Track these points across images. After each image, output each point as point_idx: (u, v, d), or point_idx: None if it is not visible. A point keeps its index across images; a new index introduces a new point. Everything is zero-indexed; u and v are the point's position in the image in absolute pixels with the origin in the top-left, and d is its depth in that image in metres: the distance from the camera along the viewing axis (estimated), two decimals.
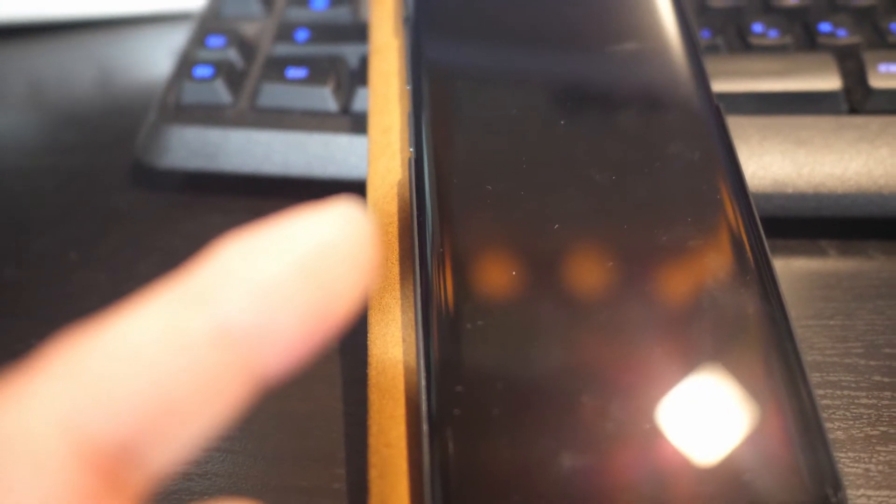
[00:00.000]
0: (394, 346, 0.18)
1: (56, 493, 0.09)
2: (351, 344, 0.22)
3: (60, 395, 0.10)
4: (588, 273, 0.18)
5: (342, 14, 0.29)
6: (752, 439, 0.16)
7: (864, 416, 0.20)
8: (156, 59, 0.35)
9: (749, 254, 0.18)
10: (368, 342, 0.18)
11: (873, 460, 0.19)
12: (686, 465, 0.15)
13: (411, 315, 0.18)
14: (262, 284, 0.11)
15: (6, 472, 0.09)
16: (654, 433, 0.16)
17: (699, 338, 0.17)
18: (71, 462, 0.09)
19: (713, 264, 0.18)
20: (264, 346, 0.11)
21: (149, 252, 0.26)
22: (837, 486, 0.15)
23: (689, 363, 0.16)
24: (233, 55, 0.28)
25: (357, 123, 0.26)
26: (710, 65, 0.25)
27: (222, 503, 0.11)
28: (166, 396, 0.10)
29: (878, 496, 0.19)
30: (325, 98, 0.26)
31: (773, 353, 0.17)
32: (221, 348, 0.10)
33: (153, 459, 0.10)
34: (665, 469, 0.15)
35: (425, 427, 0.16)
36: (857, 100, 0.25)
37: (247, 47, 0.29)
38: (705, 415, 0.16)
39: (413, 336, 0.18)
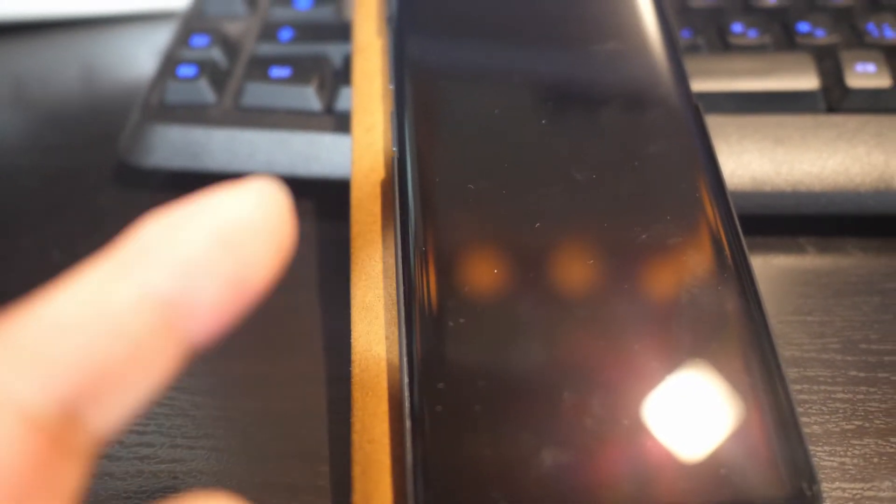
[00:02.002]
0: (377, 344, 0.18)
1: (6, 458, 0.10)
2: (335, 342, 0.22)
3: None
4: (568, 271, 0.18)
5: (326, 13, 0.29)
6: (729, 435, 0.16)
7: (841, 411, 0.21)
8: (140, 58, 0.35)
9: (727, 251, 0.18)
10: (352, 340, 0.18)
11: (849, 454, 0.20)
12: (663, 460, 0.16)
13: (394, 313, 0.19)
14: (183, 255, 0.11)
15: None
16: (632, 429, 0.16)
17: (677, 335, 0.17)
18: (16, 429, 0.10)
19: (691, 261, 0.18)
20: (188, 313, 0.12)
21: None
22: (812, 479, 0.15)
23: (668, 360, 0.17)
24: (217, 54, 0.28)
25: (341, 122, 0.26)
26: (691, 64, 0.25)
27: (200, 499, 0.11)
28: (100, 362, 0.11)
29: (852, 489, 0.19)
30: (308, 97, 0.26)
31: (749, 349, 0.17)
32: (148, 315, 0.11)
33: (96, 422, 0.11)
34: (643, 464, 0.16)
35: (408, 423, 0.16)
36: (834, 99, 0.25)
37: (231, 47, 0.29)
38: (683, 411, 0.16)
39: (396, 334, 0.18)
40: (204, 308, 0.12)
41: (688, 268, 0.18)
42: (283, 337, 0.23)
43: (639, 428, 0.16)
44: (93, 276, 0.11)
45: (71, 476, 0.11)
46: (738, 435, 0.16)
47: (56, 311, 0.11)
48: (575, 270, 0.18)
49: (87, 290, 0.11)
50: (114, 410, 0.11)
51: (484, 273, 0.18)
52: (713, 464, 0.15)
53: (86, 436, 0.11)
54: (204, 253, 0.12)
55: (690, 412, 0.16)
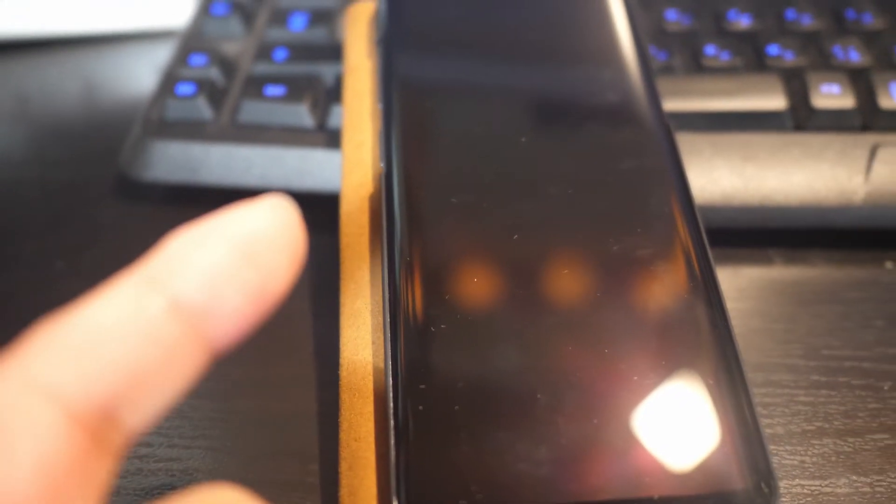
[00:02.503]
0: (364, 349, 0.19)
1: (50, 451, 0.11)
2: (325, 348, 0.24)
3: (43, 367, 0.11)
4: (543, 281, 0.19)
5: (319, 35, 0.30)
6: (691, 435, 0.17)
7: (802, 413, 0.22)
8: (140, 75, 0.36)
9: (693, 262, 0.19)
10: (340, 345, 0.20)
11: (808, 453, 0.21)
12: (629, 458, 0.17)
13: (380, 319, 0.20)
14: (208, 266, 0.13)
15: (5, 437, 0.10)
16: (602, 428, 0.17)
17: (645, 341, 0.18)
18: (60, 423, 0.11)
19: (660, 272, 0.19)
20: (213, 320, 0.13)
21: (132, 262, 0.27)
22: (770, 477, 0.16)
23: (636, 365, 0.18)
24: (214, 73, 0.29)
25: (332, 139, 0.27)
26: (666, 85, 0.27)
27: (204, 490, 0.12)
28: (134, 365, 0.12)
29: (811, 485, 0.20)
30: (302, 115, 0.28)
31: (712, 354, 0.18)
32: (177, 322, 0.12)
33: (129, 421, 0.12)
34: (612, 461, 0.17)
35: (392, 423, 0.17)
36: (801, 118, 0.27)
37: (228, 66, 0.30)
38: (649, 412, 0.17)
39: (382, 339, 0.19)
40: (227, 315, 0.13)
41: (656, 278, 0.19)
42: (277, 342, 0.24)
43: (607, 427, 0.17)
44: (127, 286, 0.12)
45: (104, 472, 0.11)
46: (699, 435, 0.17)
47: (97, 316, 0.12)
48: (550, 280, 0.19)
49: (123, 298, 0.12)
50: (144, 411, 0.12)
51: (464, 282, 0.19)
52: (676, 461, 0.17)
53: (119, 435, 0.12)
54: (227, 264, 0.13)
55: (656, 413, 0.17)
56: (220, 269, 0.13)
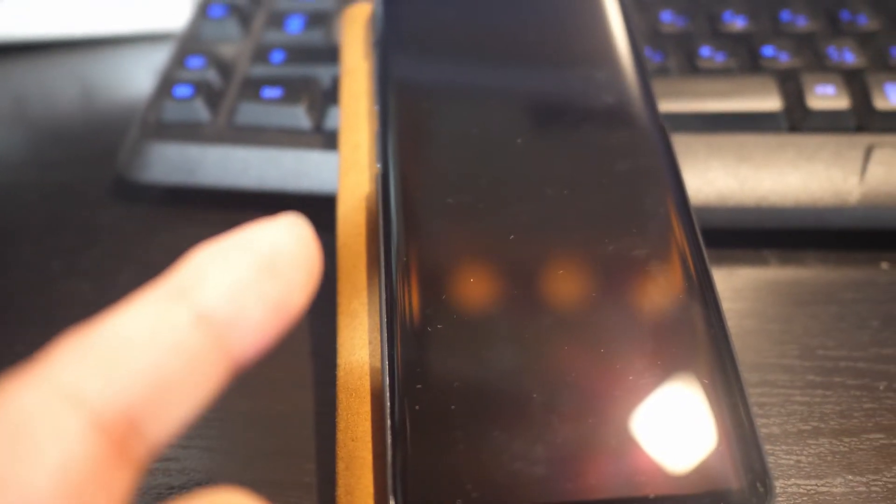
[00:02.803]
0: (360, 349, 0.19)
1: (74, 459, 0.11)
2: (321, 348, 0.24)
3: (70, 374, 0.11)
4: (539, 281, 0.19)
5: (316, 37, 0.30)
6: (687, 435, 0.17)
7: (798, 413, 0.22)
8: (137, 77, 0.36)
9: (689, 262, 0.20)
10: (337, 345, 0.20)
11: (804, 452, 0.21)
12: (625, 458, 0.17)
13: (377, 319, 0.20)
14: (232, 280, 0.13)
15: (28, 443, 0.11)
16: (597, 428, 0.17)
17: (641, 341, 0.18)
18: (85, 432, 0.11)
19: (655, 272, 0.19)
20: (237, 332, 0.13)
21: (130, 262, 0.27)
22: (765, 477, 0.17)
23: (632, 365, 0.18)
24: (211, 75, 0.29)
25: (329, 140, 0.27)
26: (661, 86, 0.27)
27: (207, 493, 0.12)
28: (160, 375, 0.12)
29: (807, 485, 0.20)
30: (298, 116, 0.28)
31: (708, 355, 0.18)
32: (202, 334, 0.12)
33: (153, 432, 0.12)
34: (608, 461, 0.17)
35: (388, 422, 0.17)
36: (796, 119, 0.27)
37: (225, 68, 0.30)
38: (645, 412, 0.17)
39: (378, 339, 0.19)
40: (250, 329, 0.13)
41: (652, 278, 0.19)
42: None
43: (603, 427, 0.17)
44: (153, 298, 0.12)
45: (126, 481, 0.12)
46: (695, 434, 0.17)
47: (124, 327, 0.12)
48: (546, 281, 0.19)
49: (149, 310, 0.12)
50: (168, 422, 0.12)
51: (461, 283, 0.19)
52: (672, 461, 0.17)
53: (142, 445, 0.12)
54: (250, 278, 0.13)
55: (652, 413, 0.17)
56: (243, 283, 0.13)
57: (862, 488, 0.20)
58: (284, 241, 0.14)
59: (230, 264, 0.13)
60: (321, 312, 0.25)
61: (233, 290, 0.13)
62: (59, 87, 0.36)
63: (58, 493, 0.10)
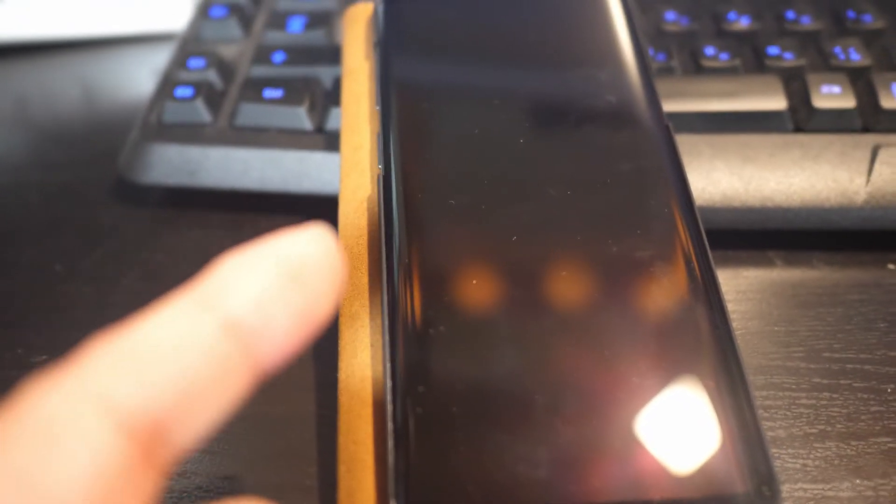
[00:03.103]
0: (362, 351, 0.19)
1: (102, 463, 0.11)
2: (323, 351, 0.23)
3: (100, 379, 0.11)
4: (543, 283, 0.19)
5: (317, 37, 0.30)
6: (692, 438, 0.17)
7: (804, 416, 0.22)
8: (138, 78, 0.36)
9: (694, 263, 0.19)
10: (339, 347, 0.19)
11: (811, 456, 0.21)
12: (629, 461, 0.16)
13: (378, 321, 0.19)
14: (259, 289, 0.13)
15: (57, 446, 0.11)
16: (602, 431, 0.17)
17: (645, 344, 0.18)
18: (113, 436, 0.11)
19: (659, 273, 0.19)
20: (263, 341, 0.13)
21: (132, 264, 0.27)
22: (772, 481, 0.16)
23: (636, 368, 0.18)
24: (212, 76, 0.29)
25: (330, 141, 0.27)
26: (665, 86, 0.26)
27: (235, 502, 0.12)
28: (188, 382, 0.12)
29: (814, 489, 0.20)
30: (300, 117, 0.27)
31: (714, 357, 0.18)
32: (229, 342, 0.13)
33: (179, 438, 0.12)
34: (612, 464, 0.16)
35: (390, 425, 0.17)
36: (801, 119, 0.27)
37: (226, 69, 0.30)
38: (650, 416, 0.17)
39: (380, 341, 0.19)
40: (276, 337, 0.13)
41: (657, 280, 0.19)
42: None
43: (607, 430, 0.17)
44: (181, 306, 0.13)
45: (151, 487, 0.12)
46: (700, 438, 0.17)
47: (153, 333, 0.12)
48: (549, 283, 0.19)
49: (177, 317, 0.12)
50: (193, 428, 0.12)
51: (463, 285, 0.19)
52: (676, 464, 0.16)
53: (167, 451, 0.12)
54: (276, 287, 0.13)
55: (656, 416, 0.17)
56: (269, 292, 0.13)
57: (870, 493, 0.20)
58: (310, 250, 0.14)
59: (257, 273, 0.13)
60: None
61: (259, 299, 0.13)
62: (60, 87, 0.36)
63: (85, 498, 0.11)
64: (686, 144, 0.26)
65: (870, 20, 0.29)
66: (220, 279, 0.13)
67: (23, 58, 0.38)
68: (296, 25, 0.31)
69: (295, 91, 0.28)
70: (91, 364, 0.12)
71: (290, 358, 0.13)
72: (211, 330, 0.12)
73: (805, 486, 0.20)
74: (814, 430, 0.21)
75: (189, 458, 0.21)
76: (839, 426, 0.22)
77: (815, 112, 0.26)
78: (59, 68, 0.37)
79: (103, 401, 0.11)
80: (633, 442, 0.17)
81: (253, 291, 0.13)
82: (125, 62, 0.38)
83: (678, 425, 0.17)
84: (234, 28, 0.31)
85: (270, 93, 0.28)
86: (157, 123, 0.28)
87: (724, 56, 0.28)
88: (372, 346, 0.19)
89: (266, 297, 0.13)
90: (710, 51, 0.28)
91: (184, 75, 0.29)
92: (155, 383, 0.12)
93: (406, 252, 0.19)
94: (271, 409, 0.22)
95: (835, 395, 0.22)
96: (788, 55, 0.28)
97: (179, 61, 0.30)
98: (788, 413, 0.22)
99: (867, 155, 0.26)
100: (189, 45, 0.31)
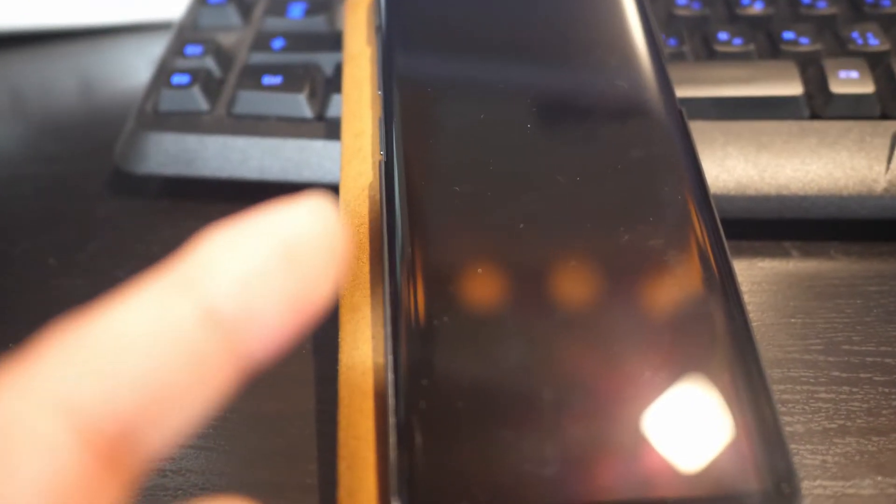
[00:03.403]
0: (363, 343, 0.19)
1: (56, 473, 0.10)
2: (323, 343, 0.23)
3: (57, 379, 0.10)
4: (551, 274, 0.18)
5: (318, 23, 0.30)
6: (709, 434, 0.16)
7: (823, 410, 0.21)
8: (136, 68, 0.36)
9: (709, 253, 0.19)
10: (339, 340, 0.19)
11: (830, 452, 0.20)
12: (642, 458, 0.16)
13: (380, 312, 0.19)
14: (245, 271, 0.11)
15: (6, 455, 0.09)
16: (613, 427, 0.16)
17: (659, 337, 0.17)
18: (70, 443, 0.10)
19: (673, 263, 0.18)
20: (249, 330, 0.11)
21: (128, 257, 0.27)
22: (791, 478, 0.16)
23: (649, 362, 0.17)
24: (210, 63, 0.28)
25: (331, 129, 0.26)
26: (677, 72, 0.26)
27: (210, 501, 0.11)
28: (160, 379, 0.10)
29: (833, 486, 0.19)
30: (299, 105, 0.27)
31: (731, 351, 0.17)
32: (209, 332, 0.11)
33: (148, 442, 0.11)
34: (623, 462, 0.16)
35: (392, 420, 0.16)
36: (818, 105, 0.26)
37: (224, 56, 0.29)
38: (664, 411, 0.16)
39: (382, 333, 0.18)
40: (264, 326, 0.11)
41: (671, 270, 0.18)
42: None
43: (618, 426, 0.16)
44: (154, 290, 0.11)
45: (116, 494, 0.10)
46: (718, 434, 0.16)
47: (119, 324, 0.11)
48: (558, 273, 0.18)
49: (149, 304, 0.11)
50: (167, 430, 0.11)
51: (467, 275, 0.18)
52: (692, 461, 0.16)
53: (137, 455, 0.11)
54: (265, 269, 0.11)
55: (672, 413, 0.16)
56: (258, 275, 0.11)
57: (892, 490, 0.19)
58: (306, 225, 0.12)
59: (243, 252, 0.11)
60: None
61: (245, 283, 0.11)
62: (56, 78, 0.36)
63: None
64: (699, 131, 0.25)
65: (888, 4, 0.28)
66: (201, 259, 0.11)
67: (18, 48, 0.37)
68: (296, 11, 0.30)
69: (295, 78, 0.27)
70: (47, 361, 0.10)
71: (282, 350, 0.12)
72: (188, 319, 0.11)
73: (825, 482, 0.19)
74: (833, 426, 0.21)
75: (185, 455, 0.21)
76: (859, 421, 0.21)
77: (832, 98, 0.25)
78: (56, 58, 0.37)
79: (59, 403, 0.10)
80: (644, 438, 0.16)
81: (238, 273, 0.11)
82: (122, 52, 0.37)
83: (693, 421, 0.16)
84: (232, 15, 0.31)
85: (270, 80, 0.27)
86: (153, 112, 0.28)
87: (737, 41, 0.27)
88: (374, 338, 0.19)
89: (252, 279, 0.11)
90: (723, 36, 0.28)
91: (180, 63, 0.29)
92: (119, 382, 0.10)
93: (409, 241, 0.19)
94: (268, 404, 0.22)
95: (855, 389, 0.21)
96: (804, 40, 0.27)
97: (176, 49, 0.29)
98: (807, 407, 0.21)
99: (886, 142, 0.25)
100: (186, 32, 0.31)
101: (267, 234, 0.12)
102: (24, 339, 0.24)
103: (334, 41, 0.28)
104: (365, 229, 0.20)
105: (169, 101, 0.27)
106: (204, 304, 0.11)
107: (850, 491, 0.19)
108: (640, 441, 0.16)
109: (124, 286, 0.11)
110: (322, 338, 0.23)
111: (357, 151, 0.22)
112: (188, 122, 0.27)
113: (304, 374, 0.22)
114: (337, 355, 0.18)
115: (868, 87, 0.25)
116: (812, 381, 0.22)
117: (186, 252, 0.12)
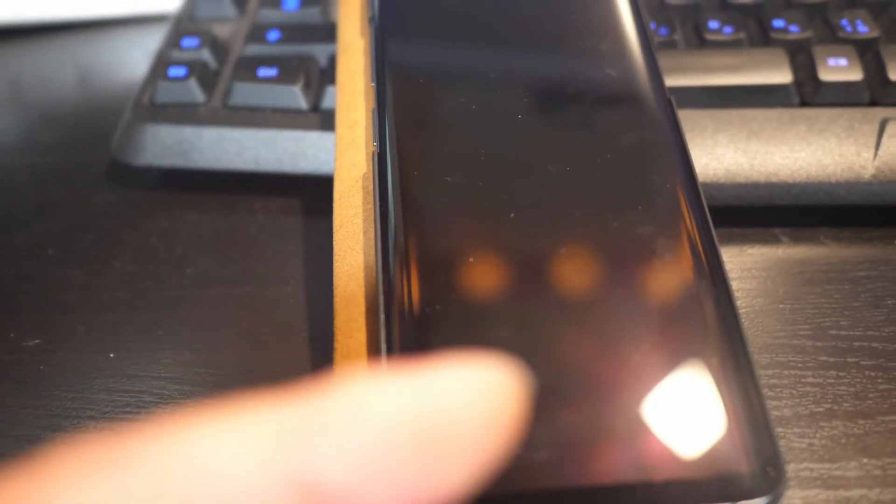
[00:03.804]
0: (357, 332, 0.19)
1: None
2: (319, 334, 0.23)
3: None
4: (543, 262, 0.19)
5: (312, 15, 0.30)
6: (695, 419, 0.16)
7: (810, 395, 0.21)
8: (132, 60, 0.36)
9: (697, 240, 0.19)
10: (334, 328, 0.19)
11: (817, 435, 0.20)
12: (630, 442, 0.16)
13: (374, 302, 0.19)
14: (372, 444, 0.09)
15: None
16: (599, 411, 0.16)
17: (647, 323, 0.18)
18: None
19: (662, 251, 0.19)
20: None
21: (124, 248, 0.27)
22: (776, 461, 0.16)
23: (638, 348, 0.17)
24: (206, 55, 0.29)
25: (326, 120, 0.26)
26: (667, 60, 0.26)
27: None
28: None
29: (820, 468, 0.20)
30: (295, 96, 0.27)
31: (717, 337, 0.17)
32: (291, 498, 0.09)
33: None
34: (612, 444, 0.16)
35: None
36: (807, 93, 0.26)
37: (220, 48, 0.29)
38: (652, 397, 0.17)
39: (376, 322, 0.19)
40: None
41: (659, 258, 0.19)
42: (271, 328, 0.23)
43: (609, 410, 0.16)
44: (266, 430, 0.09)
45: None
46: (704, 417, 0.16)
47: (208, 460, 0.09)
48: (548, 261, 0.19)
49: (251, 447, 0.09)
50: None
51: (460, 264, 0.19)
52: (679, 444, 0.16)
53: None
54: (397, 445, 0.09)
55: (659, 396, 0.17)
56: (386, 451, 0.09)
57: (878, 472, 0.20)
58: (470, 400, 0.09)
59: (380, 417, 0.09)
60: (319, 297, 0.24)
61: (366, 461, 0.09)
62: (53, 70, 0.36)
63: None
64: (689, 119, 0.25)
65: None
66: (330, 410, 0.10)
67: (16, 40, 0.37)
68: (291, 3, 0.30)
69: (290, 69, 0.27)
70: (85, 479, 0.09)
71: None
72: (284, 481, 0.09)
73: (811, 465, 0.20)
74: (820, 409, 0.21)
75: None
76: (846, 405, 0.21)
77: (821, 85, 0.26)
78: (53, 50, 0.37)
79: None
80: (634, 422, 0.16)
81: (362, 447, 0.09)
82: (120, 44, 0.37)
83: (681, 405, 0.16)
84: (228, 7, 0.31)
85: (265, 71, 0.27)
86: (149, 104, 0.28)
87: (727, 29, 0.28)
88: (367, 326, 0.19)
89: (378, 458, 0.09)
90: (713, 24, 0.28)
91: (177, 55, 0.29)
92: None
93: (401, 230, 0.19)
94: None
95: (842, 374, 0.22)
96: (794, 27, 0.28)
97: (172, 41, 0.30)
98: (794, 392, 0.21)
99: (875, 129, 0.25)
100: (182, 24, 0.31)
101: (418, 396, 0.10)
102: (23, 328, 0.24)
103: (329, 32, 0.29)
104: (359, 220, 0.21)
105: (165, 92, 0.28)
106: (305, 471, 0.09)
107: (837, 473, 0.20)
108: (630, 425, 0.16)
109: (246, 400, 0.10)
110: (318, 328, 0.23)
111: (351, 142, 0.22)
112: (184, 114, 0.27)
113: (301, 362, 0.22)
114: (332, 344, 0.19)
115: (857, 75, 0.26)
116: (800, 365, 0.22)
117: (321, 388, 0.10)
